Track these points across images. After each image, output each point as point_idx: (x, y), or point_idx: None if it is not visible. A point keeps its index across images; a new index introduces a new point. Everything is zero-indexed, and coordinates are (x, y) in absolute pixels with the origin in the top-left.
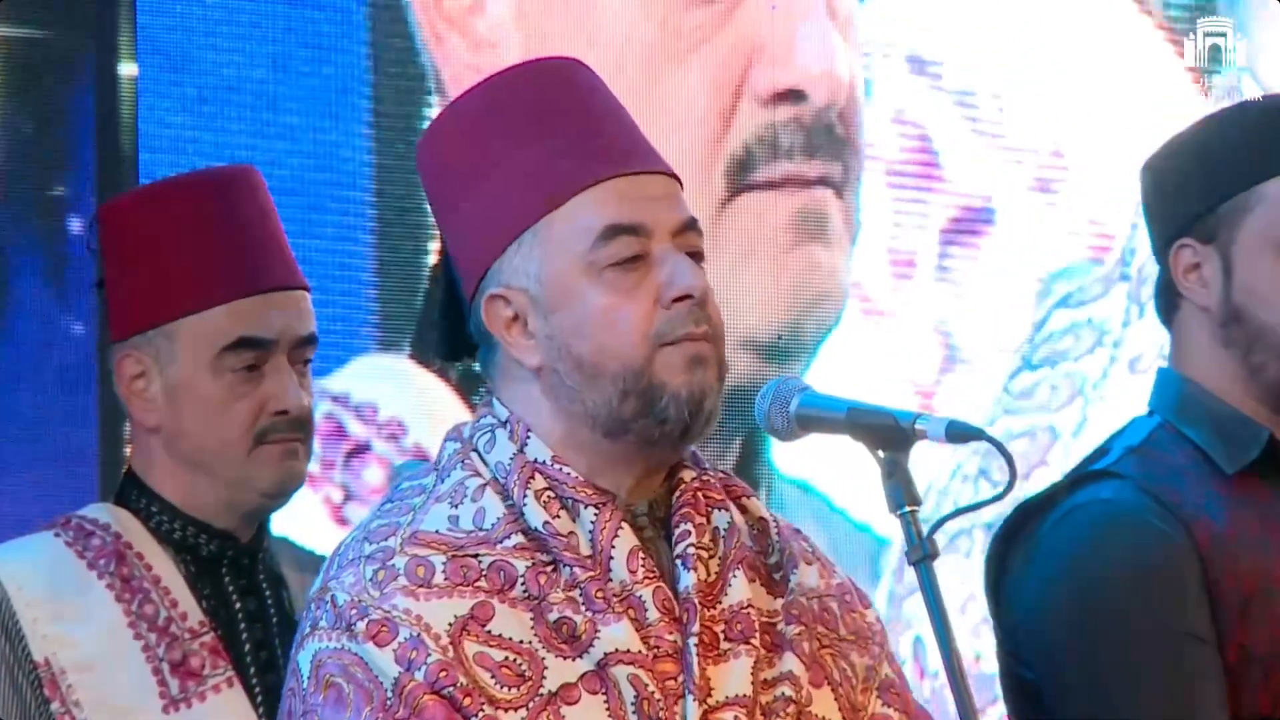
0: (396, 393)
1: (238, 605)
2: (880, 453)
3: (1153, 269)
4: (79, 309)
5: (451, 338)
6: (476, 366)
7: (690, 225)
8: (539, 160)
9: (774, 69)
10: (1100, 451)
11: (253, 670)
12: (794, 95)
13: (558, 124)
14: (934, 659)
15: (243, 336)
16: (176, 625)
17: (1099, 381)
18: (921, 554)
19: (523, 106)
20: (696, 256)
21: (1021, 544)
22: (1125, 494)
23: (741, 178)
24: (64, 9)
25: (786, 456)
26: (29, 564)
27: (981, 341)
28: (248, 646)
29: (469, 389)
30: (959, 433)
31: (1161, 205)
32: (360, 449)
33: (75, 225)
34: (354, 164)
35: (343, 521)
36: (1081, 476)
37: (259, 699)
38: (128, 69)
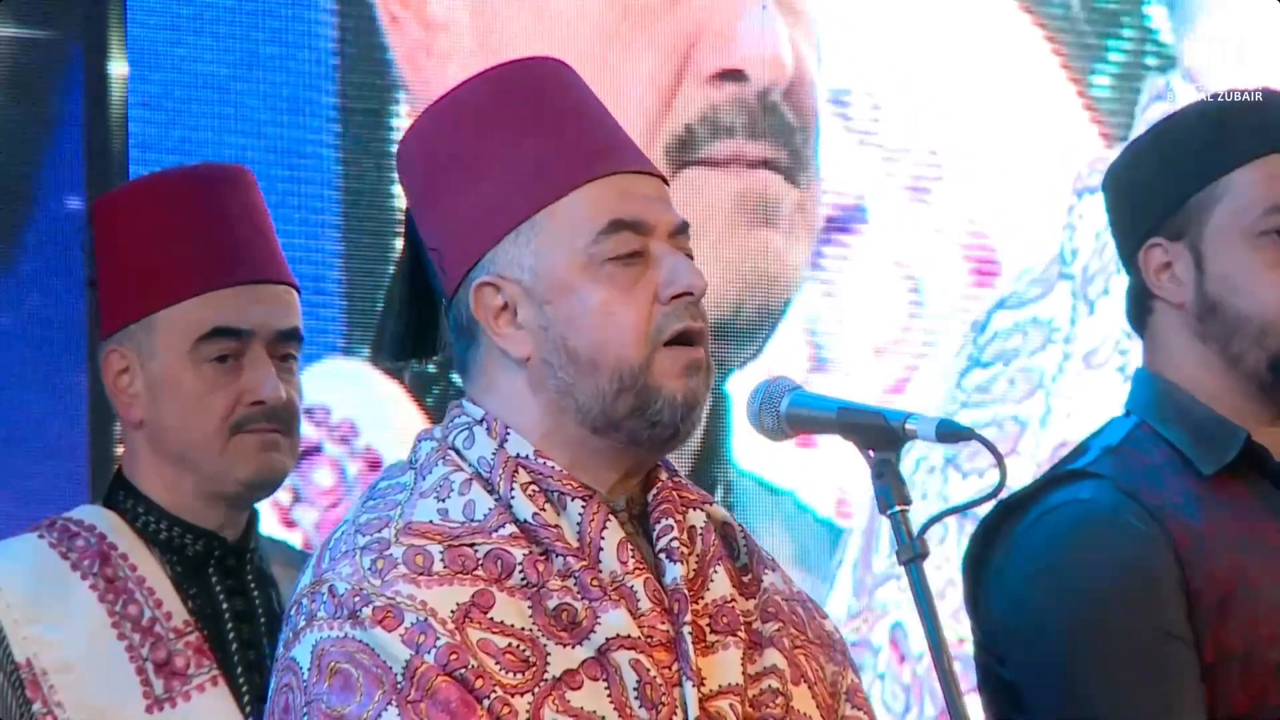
0: (349, 395)
1: (224, 605)
2: (870, 452)
3: (1097, 266)
4: (68, 308)
5: (409, 336)
6: (431, 367)
7: (685, 229)
8: (538, 153)
9: (715, 50)
10: (1078, 451)
11: (239, 669)
12: (735, 75)
13: (554, 119)
14: (915, 644)
15: (217, 326)
16: (161, 625)
17: (1056, 376)
18: (912, 554)
19: (517, 102)
20: (690, 258)
21: (999, 543)
22: (1103, 494)
23: (683, 154)
24: (53, 8)
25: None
26: (11, 565)
27: (850, 343)
28: (234, 646)
29: (422, 392)
30: (949, 432)
31: (1127, 210)
32: (311, 451)
33: (65, 223)
34: (321, 159)
35: (291, 524)
36: (1059, 476)
37: (245, 698)
38: (117, 68)
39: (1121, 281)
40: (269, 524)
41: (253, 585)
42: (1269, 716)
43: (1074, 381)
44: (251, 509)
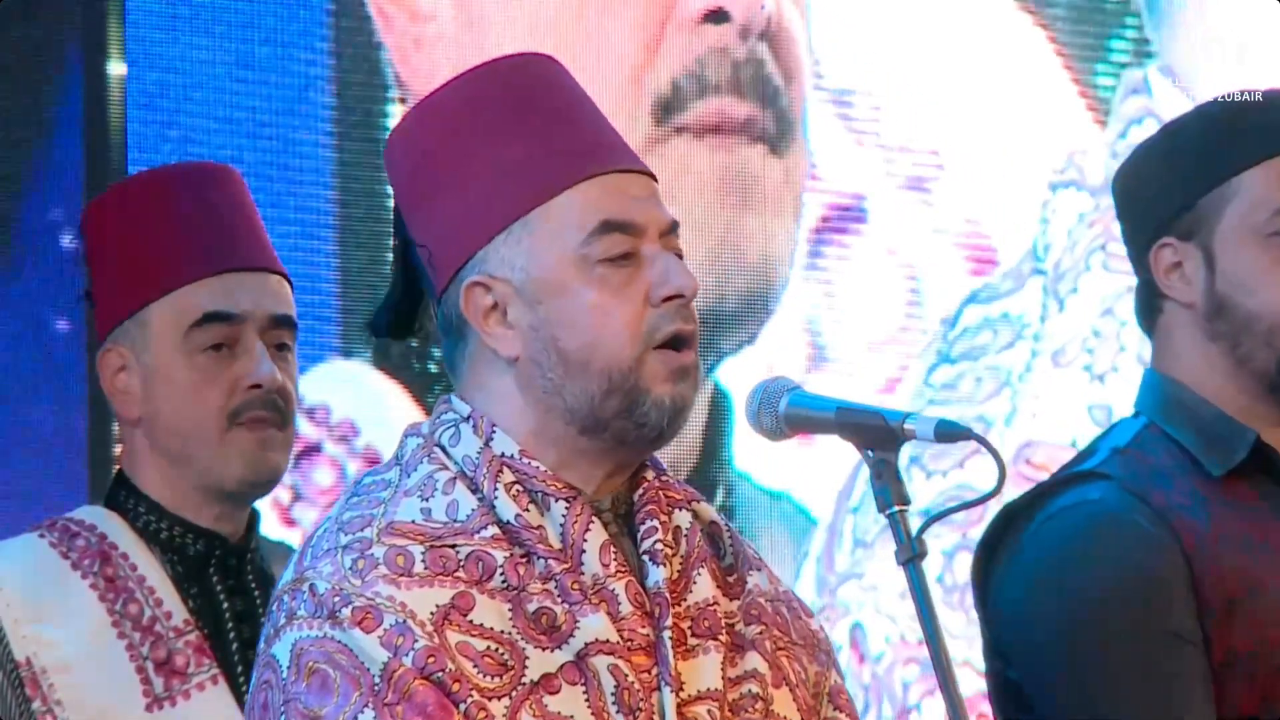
0: (349, 395)
1: (225, 604)
2: (869, 452)
3: (1069, 263)
4: (67, 308)
5: (394, 316)
6: (432, 367)
7: (674, 228)
8: (529, 152)
9: None
10: (1087, 452)
11: (239, 668)
12: (718, 16)
13: (545, 118)
14: (874, 645)
15: (208, 312)
16: (161, 624)
17: (1023, 374)
18: (911, 553)
19: (506, 100)
20: (679, 258)
21: (1008, 544)
22: (1112, 495)
23: (668, 118)
24: (52, 8)
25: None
26: (11, 565)
27: (849, 340)
28: (235, 645)
29: (422, 391)
30: (948, 432)
31: (1137, 210)
32: (311, 450)
33: (63, 224)
34: (317, 159)
35: (291, 522)
36: (1068, 477)
37: (245, 697)
38: (116, 68)
39: (1092, 280)
40: (269, 523)
41: (253, 585)
42: (1276, 718)
43: (1041, 380)
44: (251, 509)
